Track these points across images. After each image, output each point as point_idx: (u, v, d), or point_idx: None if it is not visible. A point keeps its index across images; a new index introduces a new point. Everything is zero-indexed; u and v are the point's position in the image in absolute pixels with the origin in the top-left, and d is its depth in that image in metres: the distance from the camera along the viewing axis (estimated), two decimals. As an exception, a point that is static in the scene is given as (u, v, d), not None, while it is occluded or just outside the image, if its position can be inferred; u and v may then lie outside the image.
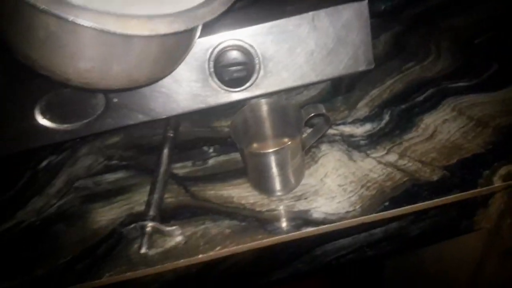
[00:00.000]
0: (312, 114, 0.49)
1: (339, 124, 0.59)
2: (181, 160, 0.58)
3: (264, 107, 0.51)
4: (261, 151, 0.46)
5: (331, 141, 0.57)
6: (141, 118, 0.54)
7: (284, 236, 0.48)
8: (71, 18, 0.33)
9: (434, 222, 0.54)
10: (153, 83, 0.51)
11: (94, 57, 0.38)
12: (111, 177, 0.58)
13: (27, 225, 0.54)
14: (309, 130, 0.55)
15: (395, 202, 0.49)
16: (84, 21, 0.33)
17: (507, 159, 0.51)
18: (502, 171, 0.50)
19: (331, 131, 0.58)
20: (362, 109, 0.60)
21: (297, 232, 0.48)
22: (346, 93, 0.62)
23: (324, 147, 0.56)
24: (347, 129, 0.58)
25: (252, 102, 0.50)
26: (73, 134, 0.54)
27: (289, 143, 0.46)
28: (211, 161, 0.57)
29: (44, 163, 0.61)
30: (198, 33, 0.48)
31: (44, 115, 0.52)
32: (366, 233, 0.53)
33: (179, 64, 0.50)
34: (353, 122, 0.59)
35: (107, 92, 0.53)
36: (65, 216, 0.54)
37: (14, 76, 0.51)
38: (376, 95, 0.62)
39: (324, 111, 0.49)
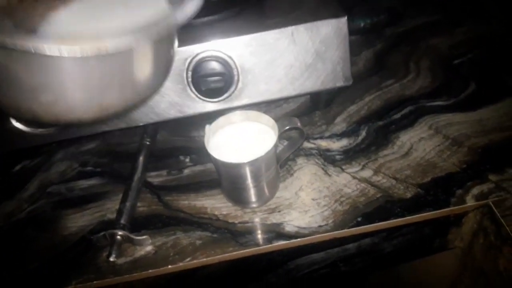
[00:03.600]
0: (287, 127, 0.49)
1: (316, 138, 0.59)
2: (156, 168, 0.58)
3: (239, 118, 0.51)
4: (235, 162, 0.46)
5: (308, 154, 0.57)
6: (117, 125, 0.54)
7: (255, 248, 0.48)
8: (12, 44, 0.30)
9: (407, 240, 0.54)
10: (133, 110, 0.50)
11: (53, 88, 0.35)
12: (84, 183, 0.57)
13: (-5, 230, 0.53)
14: (285, 143, 0.55)
15: (368, 218, 0.49)
16: (24, 45, 0.30)
17: (481, 178, 0.51)
18: (475, 190, 0.50)
19: (308, 145, 0.58)
20: (339, 124, 0.60)
21: (269, 245, 0.48)
22: (325, 108, 0.63)
23: (300, 160, 0.56)
24: (324, 144, 0.58)
25: (228, 112, 0.50)
26: (47, 138, 0.54)
27: (263, 154, 0.46)
28: (186, 171, 0.57)
29: (18, 167, 0.61)
30: (175, 49, 0.46)
31: (18, 119, 0.52)
32: (339, 248, 0.52)
33: (159, 85, 0.46)
34: (330, 137, 0.59)
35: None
36: (35, 221, 0.53)
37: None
38: (354, 111, 0.62)
39: (299, 124, 0.49)
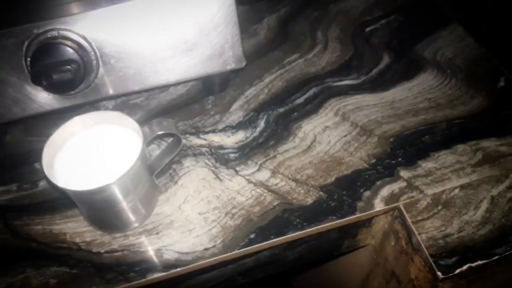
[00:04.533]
0: (158, 133, 0.39)
1: (208, 132, 0.49)
2: (4, 182, 0.45)
3: (91, 123, 0.39)
4: (89, 188, 0.35)
5: (197, 154, 0.47)
6: None
7: (124, 286, 0.39)
8: None
9: (312, 246, 0.47)
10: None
11: None
12: None
13: None
14: (162, 147, 0.45)
15: (262, 233, 0.41)
16: None
17: (391, 176, 0.45)
18: (385, 191, 0.44)
19: (198, 141, 0.48)
20: (235, 113, 0.51)
21: (142, 280, 0.39)
22: (220, 92, 0.53)
23: (187, 162, 0.47)
24: (216, 139, 0.48)
25: (74, 118, 0.39)
26: None
27: (127, 171, 0.36)
28: (42, 184, 0.45)
29: None
30: None
31: None
32: (234, 264, 0.45)
33: None
34: (224, 130, 0.49)
35: None
36: None
37: None
38: (252, 95, 0.52)
39: (174, 129, 0.39)
